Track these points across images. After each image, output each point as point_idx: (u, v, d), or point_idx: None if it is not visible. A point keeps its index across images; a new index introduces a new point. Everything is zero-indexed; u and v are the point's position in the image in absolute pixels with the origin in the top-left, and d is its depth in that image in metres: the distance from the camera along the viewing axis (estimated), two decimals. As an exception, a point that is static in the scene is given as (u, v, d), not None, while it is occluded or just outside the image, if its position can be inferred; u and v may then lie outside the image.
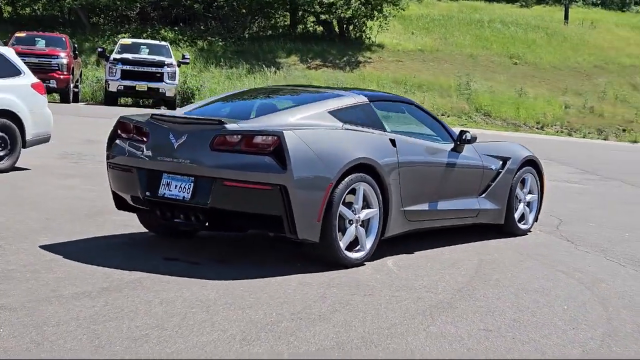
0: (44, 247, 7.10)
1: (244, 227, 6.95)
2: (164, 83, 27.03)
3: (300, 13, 39.56)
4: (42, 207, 8.97)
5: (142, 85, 26.83)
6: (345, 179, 6.78)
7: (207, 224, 6.84)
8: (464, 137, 8.25)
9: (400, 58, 37.52)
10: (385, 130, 7.55)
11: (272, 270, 6.72)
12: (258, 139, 6.57)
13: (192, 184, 6.77)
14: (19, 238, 7.38)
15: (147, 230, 8.02)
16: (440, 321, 5.56)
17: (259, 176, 6.47)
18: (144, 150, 7.06)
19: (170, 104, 27.42)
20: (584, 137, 31.20)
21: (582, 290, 6.78)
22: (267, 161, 6.48)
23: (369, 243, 7.12)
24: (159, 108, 28.14)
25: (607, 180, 16.53)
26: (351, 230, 6.96)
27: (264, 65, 33.29)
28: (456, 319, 5.63)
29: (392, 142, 7.42)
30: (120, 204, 7.57)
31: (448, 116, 30.24)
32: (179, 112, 7.68)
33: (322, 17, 36.53)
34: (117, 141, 7.36)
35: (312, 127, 6.90)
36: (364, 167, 6.97)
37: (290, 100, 7.91)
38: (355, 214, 6.98)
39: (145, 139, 7.11)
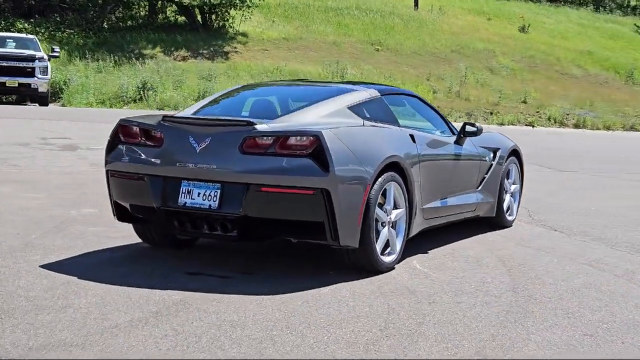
0: (44, 267, 6.38)
1: (277, 235, 6.42)
2: (35, 78, 25.46)
3: (159, 2, 38.46)
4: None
5: (12, 81, 25.19)
6: (379, 179, 6.37)
7: (235, 233, 6.28)
8: (467, 130, 7.97)
9: (266, 47, 37.07)
10: (399, 125, 7.20)
11: (310, 280, 6.25)
12: (294, 140, 6.05)
13: (219, 191, 6.19)
14: (5, 257, 6.62)
15: (135, 242, 7.39)
16: (535, 329, 5.23)
17: (299, 180, 5.97)
18: (158, 155, 6.42)
19: (43, 99, 25.95)
20: (455, 122, 31.69)
21: (624, 283, 6.63)
22: (306, 164, 5.97)
23: (398, 245, 6.75)
24: (26, 105, 26.68)
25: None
26: (384, 233, 6.56)
27: (133, 57, 32.14)
28: (547, 325, 5.31)
29: (412, 137, 7.07)
30: (123, 215, 6.89)
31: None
32: (187, 113, 7.02)
33: (185, 2, 35.50)
34: (120, 147, 6.68)
35: (345, 125, 6.45)
36: (393, 166, 6.59)
37: (304, 96, 7.39)
38: (387, 215, 6.59)
39: (158, 144, 6.47)
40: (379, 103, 7.22)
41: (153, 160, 6.43)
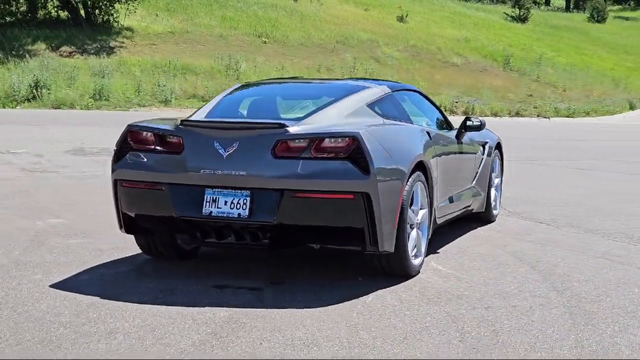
0: (55, 287, 5.88)
1: (310, 242, 6.08)
2: None
3: (39, -3, 37.02)
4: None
5: None
6: (409, 180, 6.13)
7: (266, 242, 5.92)
8: (469, 124, 7.79)
9: (153, 41, 36.18)
10: (412, 122, 6.97)
11: (345, 288, 5.95)
12: (330, 142, 5.71)
13: (249, 199, 5.81)
14: (3, 277, 6.08)
15: (133, 255, 6.94)
16: (611, 331, 5.04)
17: (338, 184, 5.64)
18: (178, 162, 5.97)
19: None
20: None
21: (649, 274, 6.60)
22: (345, 166, 5.64)
23: (423, 247, 6.53)
24: None
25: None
26: (413, 235, 6.30)
27: (16, 55, 30.79)
28: (621, 327, 5.12)
29: (429, 135, 6.85)
30: (131, 227, 6.42)
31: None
32: (200, 117, 6.55)
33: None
34: (131, 154, 6.18)
35: (374, 125, 6.16)
36: (419, 165, 6.35)
37: (318, 95, 7.04)
38: (415, 217, 6.36)
39: (177, 150, 6.02)
40: (391, 100, 6.97)
41: (172, 167, 5.99)
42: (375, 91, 6.84)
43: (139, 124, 6.32)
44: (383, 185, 5.68)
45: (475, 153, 8.18)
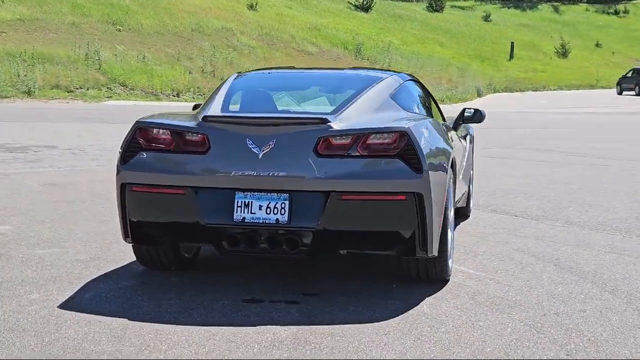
0: (64, 308, 5.16)
1: (353, 249, 5.58)
2: None
3: None
4: None
5: None
6: (448, 178, 5.74)
7: (304, 250, 5.36)
8: (467, 116, 7.42)
9: (2, 29, 34.31)
10: (430, 115, 6.59)
11: (388, 297, 5.49)
12: (378, 139, 5.21)
13: (287, 202, 5.25)
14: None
15: (128, 265, 6.28)
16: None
17: (389, 184, 5.16)
18: (204, 163, 5.33)
19: None
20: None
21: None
22: (395, 165, 5.16)
23: (453, 248, 6.17)
24: None
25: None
26: (450, 236, 5.92)
27: None
28: None
29: (447, 129, 6.49)
30: (140, 235, 5.72)
31: (88, 89, 28.25)
32: (219, 112, 5.86)
33: None
34: (142, 154, 5.48)
35: (412, 119, 5.71)
36: (451, 162, 5.99)
37: (338, 86, 6.55)
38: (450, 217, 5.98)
39: (202, 149, 5.38)
40: (406, 90, 6.50)
41: (196, 169, 5.34)
42: (392, 81, 6.36)
43: (150, 120, 5.65)
44: (434, 184, 5.25)
45: (465, 145, 7.87)
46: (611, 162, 14.59)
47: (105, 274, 6.07)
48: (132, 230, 5.63)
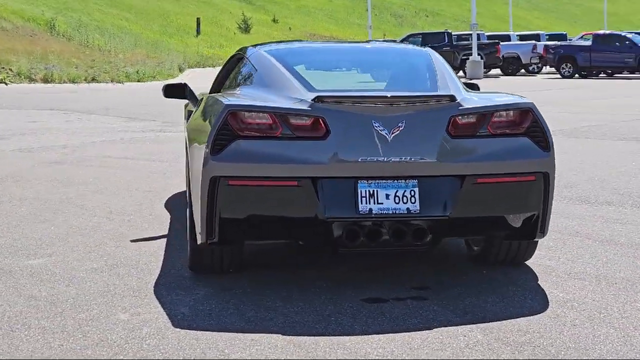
0: (168, 327, 4.68)
1: (478, 235, 5.43)
2: None
3: None
4: None
5: None
6: None
7: (428, 240, 5.12)
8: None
9: None
10: None
11: (502, 286, 5.54)
12: (505, 116, 5.17)
13: (416, 190, 5.02)
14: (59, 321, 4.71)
15: (160, 272, 5.82)
16: None
17: (521, 165, 5.14)
18: (323, 150, 4.96)
19: None
20: None
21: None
22: (524, 144, 5.16)
23: None
24: None
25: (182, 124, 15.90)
26: None
27: None
28: None
29: None
30: (229, 235, 5.16)
31: None
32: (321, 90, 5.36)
33: None
34: (237, 143, 4.98)
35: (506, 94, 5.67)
36: None
37: (399, 61, 6.31)
38: None
39: (319, 134, 4.98)
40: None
41: (314, 156, 4.95)
42: (438, 56, 6.25)
43: (246, 103, 5.14)
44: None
45: None
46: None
47: (162, 285, 5.50)
48: (221, 229, 5.09)
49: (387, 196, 5.00)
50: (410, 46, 6.80)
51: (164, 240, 6.76)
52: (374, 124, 4.98)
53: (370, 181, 5.00)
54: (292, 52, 6.46)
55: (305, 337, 4.49)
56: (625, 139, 13.05)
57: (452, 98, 5.14)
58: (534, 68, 44.65)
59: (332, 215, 4.95)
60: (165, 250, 6.42)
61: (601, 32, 41.91)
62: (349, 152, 4.96)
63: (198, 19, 67.10)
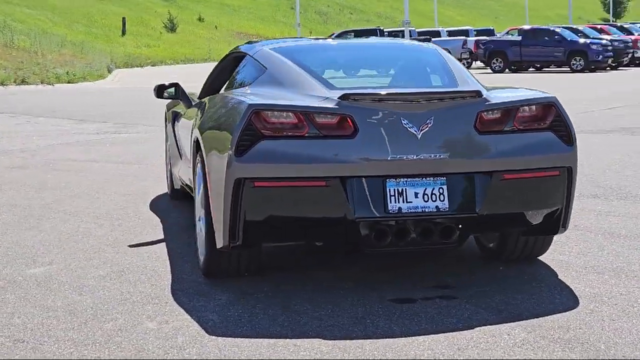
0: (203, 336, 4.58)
1: (501, 232, 5.40)
2: None
3: None
4: None
5: None
6: None
7: (455, 238, 5.08)
8: None
9: None
10: None
11: (525, 284, 5.55)
12: (529, 111, 5.17)
13: (445, 187, 4.98)
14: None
15: (174, 279, 5.64)
16: None
17: (546, 160, 5.15)
18: (352, 149, 4.87)
19: None
20: None
21: None
22: (548, 138, 5.17)
23: None
24: None
25: (135, 126, 15.65)
26: None
27: None
28: None
29: None
30: (254, 238, 5.06)
31: None
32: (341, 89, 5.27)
33: None
34: (262, 144, 4.87)
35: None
36: None
37: (410, 57, 6.25)
38: None
39: (347, 133, 4.90)
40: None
41: (343, 156, 4.87)
42: (444, 51, 6.27)
43: (270, 102, 5.03)
44: None
45: None
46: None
47: (181, 292, 5.37)
48: (246, 232, 4.98)
49: (416, 194, 4.94)
50: (417, 42, 6.80)
51: (163, 244, 6.61)
52: (402, 121, 4.93)
53: (398, 179, 4.94)
54: (300, 49, 6.33)
55: (347, 340, 4.41)
56: (581, 132, 13.20)
57: (478, 94, 5.12)
58: (464, 63, 45.22)
59: (362, 215, 4.88)
60: (168, 255, 6.27)
61: (529, 26, 42.70)
62: (378, 151, 4.90)
63: (123, 18, 66.26)
